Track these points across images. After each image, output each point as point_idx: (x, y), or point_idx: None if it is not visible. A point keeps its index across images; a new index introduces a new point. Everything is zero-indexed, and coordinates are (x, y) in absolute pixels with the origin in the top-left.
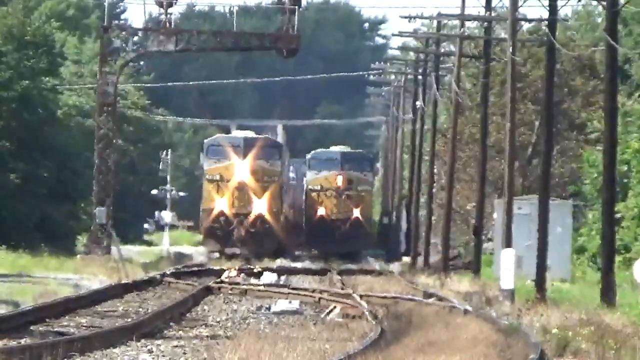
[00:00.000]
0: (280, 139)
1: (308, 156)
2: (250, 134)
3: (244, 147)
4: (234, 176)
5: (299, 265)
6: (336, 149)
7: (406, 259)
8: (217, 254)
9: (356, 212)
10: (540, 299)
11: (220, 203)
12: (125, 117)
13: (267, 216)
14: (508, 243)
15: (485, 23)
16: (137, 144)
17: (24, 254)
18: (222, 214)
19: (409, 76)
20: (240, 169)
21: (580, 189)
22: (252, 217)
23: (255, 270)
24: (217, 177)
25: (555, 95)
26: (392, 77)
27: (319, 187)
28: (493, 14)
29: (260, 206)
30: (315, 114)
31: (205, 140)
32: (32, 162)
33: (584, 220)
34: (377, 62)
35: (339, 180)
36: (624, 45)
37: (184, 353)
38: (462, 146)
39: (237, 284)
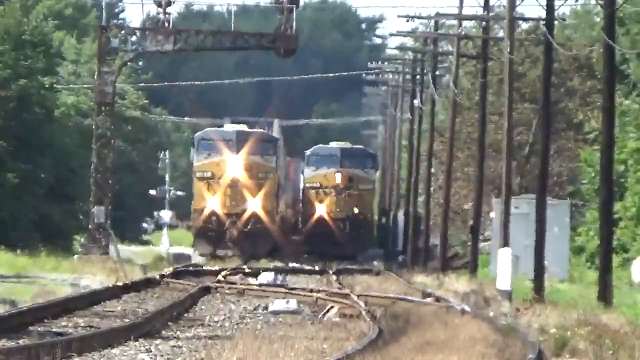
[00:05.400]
0: (276, 134)
1: (307, 152)
2: (243, 127)
3: (236, 142)
4: (226, 172)
5: (296, 264)
6: (336, 144)
7: (404, 259)
8: (209, 256)
9: (357, 212)
10: (538, 298)
11: (212, 202)
12: (124, 117)
13: (262, 215)
14: (506, 242)
15: (483, 22)
16: (135, 144)
17: (22, 253)
18: (213, 213)
19: (407, 76)
20: (233, 164)
21: (578, 189)
22: (245, 216)
23: (252, 271)
24: (208, 174)
25: (553, 94)
26: (390, 76)
27: (317, 185)
28: (491, 14)
29: (254, 205)
30: (313, 113)
31: (196, 135)
32: (30, 162)
33: (581, 220)
34: (374, 62)
35: (339, 178)
36: (621, 45)
37: (182, 353)
38: (460, 145)
39: (235, 283)
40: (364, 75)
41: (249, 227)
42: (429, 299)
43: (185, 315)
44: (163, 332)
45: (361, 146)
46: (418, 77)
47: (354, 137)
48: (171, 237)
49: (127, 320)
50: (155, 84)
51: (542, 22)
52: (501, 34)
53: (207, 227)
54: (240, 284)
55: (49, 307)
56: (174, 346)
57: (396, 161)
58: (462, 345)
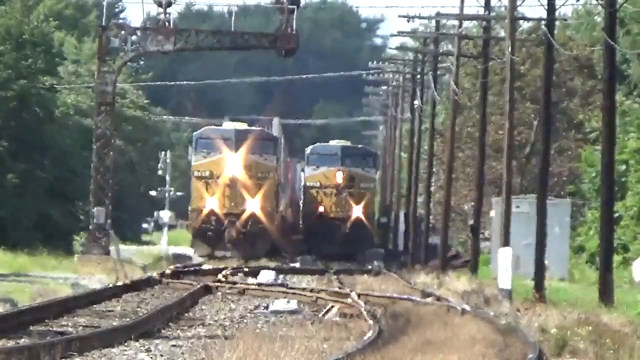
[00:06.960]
0: (276, 132)
1: (307, 151)
2: (242, 125)
3: (235, 140)
4: (224, 172)
5: (296, 264)
6: (337, 143)
7: (404, 258)
8: (207, 257)
9: (357, 211)
10: (539, 298)
11: (210, 202)
12: (124, 117)
13: (261, 216)
14: (506, 242)
15: (484, 22)
16: (135, 144)
17: (22, 253)
18: (212, 213)
19: (407, 76)
20: (232, 163)
21: (579, 188)
22: (244, 217)
23: (252, 270)
24: (207, 174)
25: (554, 94)
26: (390, 76)
27: (317, 184)
28: (492, 14)
29: (253, 205)
30: (314, 113)
31: (194, 133)
32: (30, 162)
33: (582, 220)
34: (375, 62)
35: (339, 177)
36: (622, 45)
37: (182, 353)
38: (460, 145)
39: (235, 283)
40: (364, 75)
41: (248, 227)
42: (429, 299)
43: (186, 314)
44: (163, 331)
45: (362, 145)
46: (418, 77)
47: (355, 137)
48: (171, 237)
49: (128, 320)
50: (155, 84)
51: (543, 22)
52: (502, 34)
53: (206, 227)
54: (241, 284)
55: (49, 307)
56: (174, 346)
57: (397, 161)
58: (462, 345)
